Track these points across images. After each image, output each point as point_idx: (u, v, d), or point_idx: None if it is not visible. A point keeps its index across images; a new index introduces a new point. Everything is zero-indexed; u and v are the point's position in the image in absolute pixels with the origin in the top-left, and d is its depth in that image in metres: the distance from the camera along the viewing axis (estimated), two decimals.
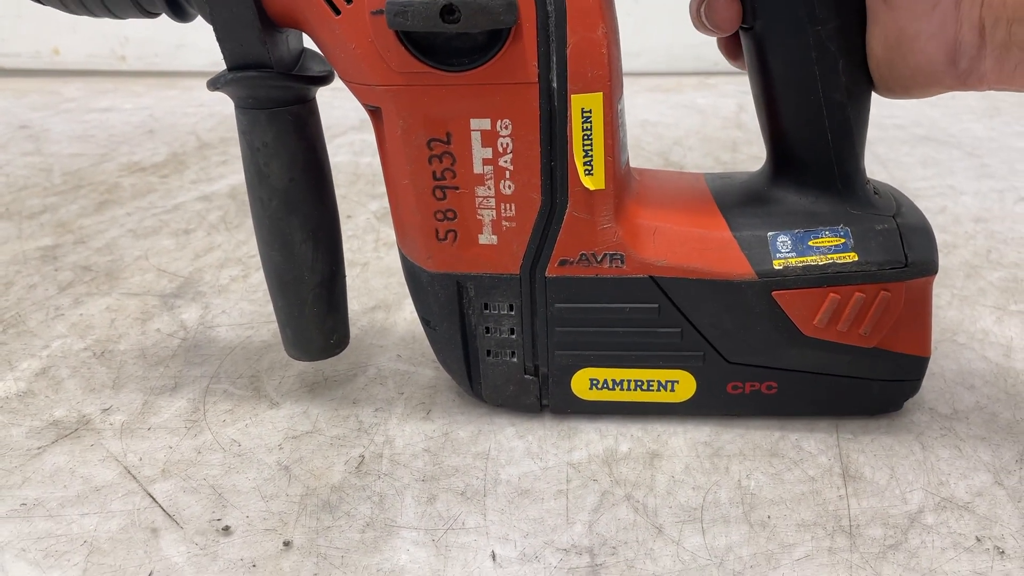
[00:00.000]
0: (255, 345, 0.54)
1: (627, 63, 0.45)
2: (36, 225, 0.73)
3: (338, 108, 0.96)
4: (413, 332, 0.55)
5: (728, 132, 0.94)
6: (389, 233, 0.70)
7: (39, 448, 0.44)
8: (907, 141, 0.90)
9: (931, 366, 0.49)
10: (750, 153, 0.87)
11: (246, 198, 0.77)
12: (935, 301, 0.56)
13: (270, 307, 0.57)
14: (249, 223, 0.72)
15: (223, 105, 1.06)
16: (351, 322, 0.56)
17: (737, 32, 0.41)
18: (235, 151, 0.91)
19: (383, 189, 0.79)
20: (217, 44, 0.38)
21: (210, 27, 0.37)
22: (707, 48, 0.41)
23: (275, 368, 0.51)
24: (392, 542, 0.38)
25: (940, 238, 0.65)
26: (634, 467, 0.42)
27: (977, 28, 0.34)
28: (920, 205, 0.71)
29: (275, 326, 0.55)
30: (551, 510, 0.39)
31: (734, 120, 0.98)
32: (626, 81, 0.43)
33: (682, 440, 0.44)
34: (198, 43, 1.21)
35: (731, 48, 0.43)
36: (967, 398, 0.46)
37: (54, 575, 0.36)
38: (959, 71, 0.36)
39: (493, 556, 0.37)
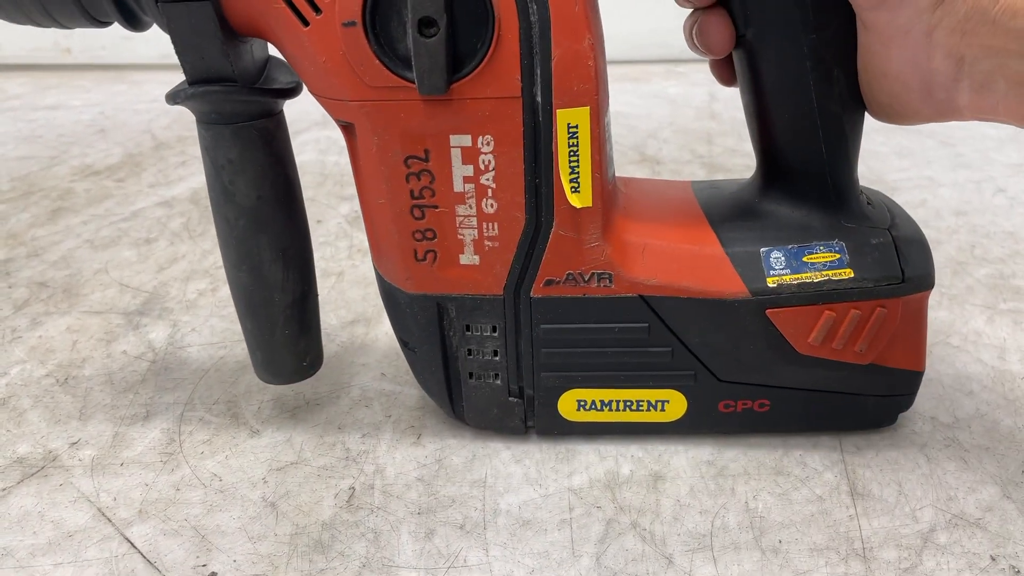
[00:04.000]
0: (229, 366, 0.51)
1: None
2: None
3: (300, 102, 0.92)
4: (396, 348, 0.52)
5: (702, 123, 0.92)
6: (363, 238, 0.67)
7: (3, 490, 0.41)
8: (880, 130, 0.89)
9: (928, 371, 0.48)
10: (726, 145, 0.86)
11: (208, 202, 0.74)
12: None
13: None
14: (214, 229, 0.69)
15: None
16: (330, 337, 0.54)
17: (730, 55, 0.39)
18: (193, 151, 0.87)
19: (354, 190, 0.77)
20: (175, 55, 0.35)
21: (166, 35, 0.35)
22: (673, 36, 0.40)
23: (252, 392, 0.48)
24: None
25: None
26: (637, 491, 0.40)
27: (954, 59, 0.33)
28: (900, 199, 0.71)
29: None
30: (555, 542, 0.38)
31: (707, 110, 0.96)
32: None
33: (684, 460, 0.42)
34: (146, 35, 1.16)
35: (724, 72, 0.41)
36: (967, 405, 0.46)
37: None
38: (935, 101, 0.35)
39: None
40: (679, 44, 0.41)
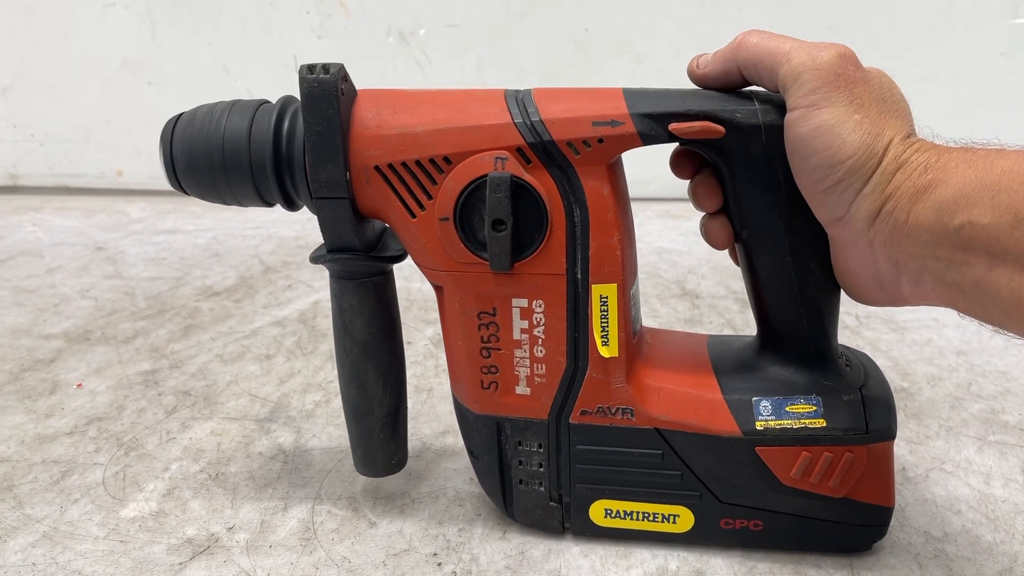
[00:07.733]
0: (347, 468, 0.63)
1: (639, 190, 0.54)
2: (132, 350, 0.82)
3: None
4: None
5: None
6: None
7: (180, 564, 0.53)
8: None
9: (924, 492, 0.58)
10: None
11: (315, 323, 0.88)
12: (925, 431, 0.66)
13: None
14: (322, 348, 0.82)
15: (277, 228, 1.17)
16: (427, 445, 0.66)
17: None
18: (297, 275, 1.02)
19: (436, 315, 0.90)
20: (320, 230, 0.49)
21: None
22: None
23: (367, 491, 0.60)
24: None
25: (927, 371, 0.76)
26: None
27: (892, 262, 0.41)
28: (908, 338, 0.82)
29: None
30: None
31: None
32: (638, 207, 0.52)
33: (720, 560, 0.52)
34: None
35: (733, 256, 0.52)
36: (955, 522, 0.55)
37: None
38: (887, 292, 0.44)
39: None
40: None
